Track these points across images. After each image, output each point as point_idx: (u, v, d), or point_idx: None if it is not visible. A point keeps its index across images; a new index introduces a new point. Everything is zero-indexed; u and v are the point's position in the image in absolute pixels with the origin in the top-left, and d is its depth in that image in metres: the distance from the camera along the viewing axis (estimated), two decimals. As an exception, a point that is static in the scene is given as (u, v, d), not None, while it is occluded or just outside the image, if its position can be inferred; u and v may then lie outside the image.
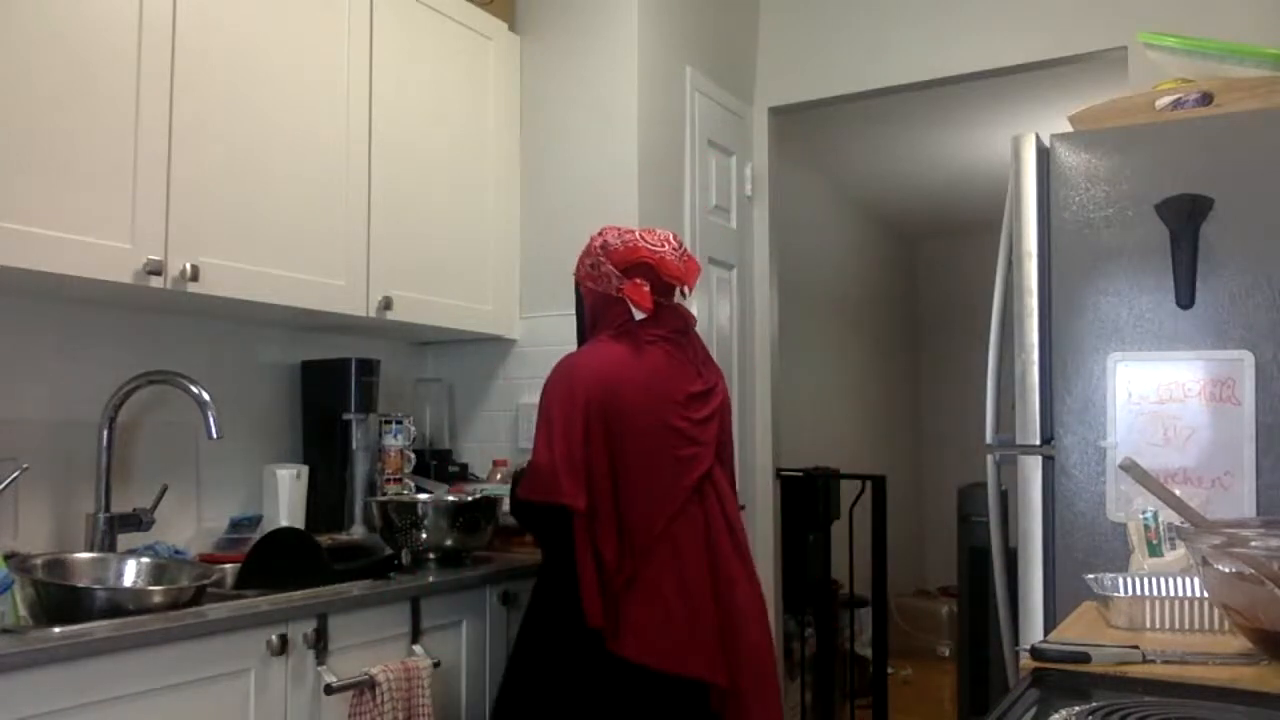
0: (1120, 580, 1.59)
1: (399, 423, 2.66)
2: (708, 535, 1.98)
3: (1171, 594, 1.54)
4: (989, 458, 2.28)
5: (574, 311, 2.35)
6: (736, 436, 3.27)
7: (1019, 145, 2.19)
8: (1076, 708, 1.02)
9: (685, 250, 2.13)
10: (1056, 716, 1.00)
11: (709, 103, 3.18)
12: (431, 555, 2.30)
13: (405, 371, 2.99)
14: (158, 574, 2.00)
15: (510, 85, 2.95)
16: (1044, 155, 2.18)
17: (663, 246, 2.08)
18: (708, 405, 2.08)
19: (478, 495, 2.43)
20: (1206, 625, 1.42)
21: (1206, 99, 2.10)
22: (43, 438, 2.11)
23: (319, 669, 1.88)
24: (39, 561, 1.86)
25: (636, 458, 1.95)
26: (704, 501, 2.00)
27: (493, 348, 2.98)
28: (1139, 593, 1.55)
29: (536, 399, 2.97)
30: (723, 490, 2.06)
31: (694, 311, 2.22)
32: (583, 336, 2.20)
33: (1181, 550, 1.68)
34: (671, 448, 1.98)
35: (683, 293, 2.14)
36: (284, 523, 2.35)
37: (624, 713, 1.89)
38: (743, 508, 3.13)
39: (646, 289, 2.04)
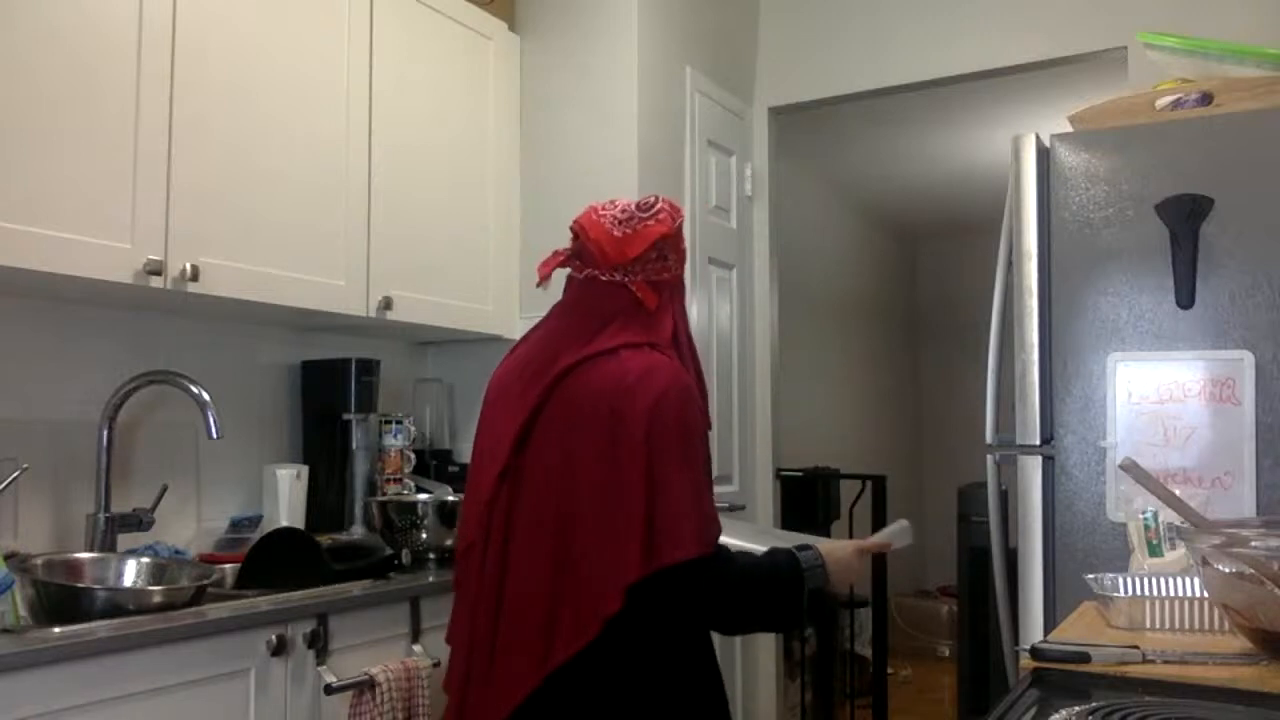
0: (1120, 580, 1.59)
1: (399, 423, 2.66)
2: None
3: (1171, 594, 1.54)
4: (989, 458, 2.28)
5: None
6: (736, 437, 3.29)
7: (1019, 145, 2.19)
8: (1076, 708, 1.03)
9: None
10: (1056, 716, 1.00)
11: (709, 103, 3.18)
12: (431, 555, 2.30)
13: (405, 371, 2.99)
14: (158, 574, 2.00)
15: (510, 85, 2.95)
16: (1044, 155, 2.18)
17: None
18: None
19: None
20: (1206, 625, 1.42)
21: (1206, 99, 2.10)
22: (43, 438, 2.11)
23: (319, 669, 1.88)
24: (39, 561, 1.86)
25: None
26: None
27: (493, 348, 2.97)
28: (1139, 593, 1.55)
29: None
30: None
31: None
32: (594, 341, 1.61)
33: (1181, 550, 1.68)
34: None
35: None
36: (284, 523, 2.35)
37: None
38: (742, 507, 3.15)
39: None
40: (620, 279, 1.62)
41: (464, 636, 1.61)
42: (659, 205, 1.64)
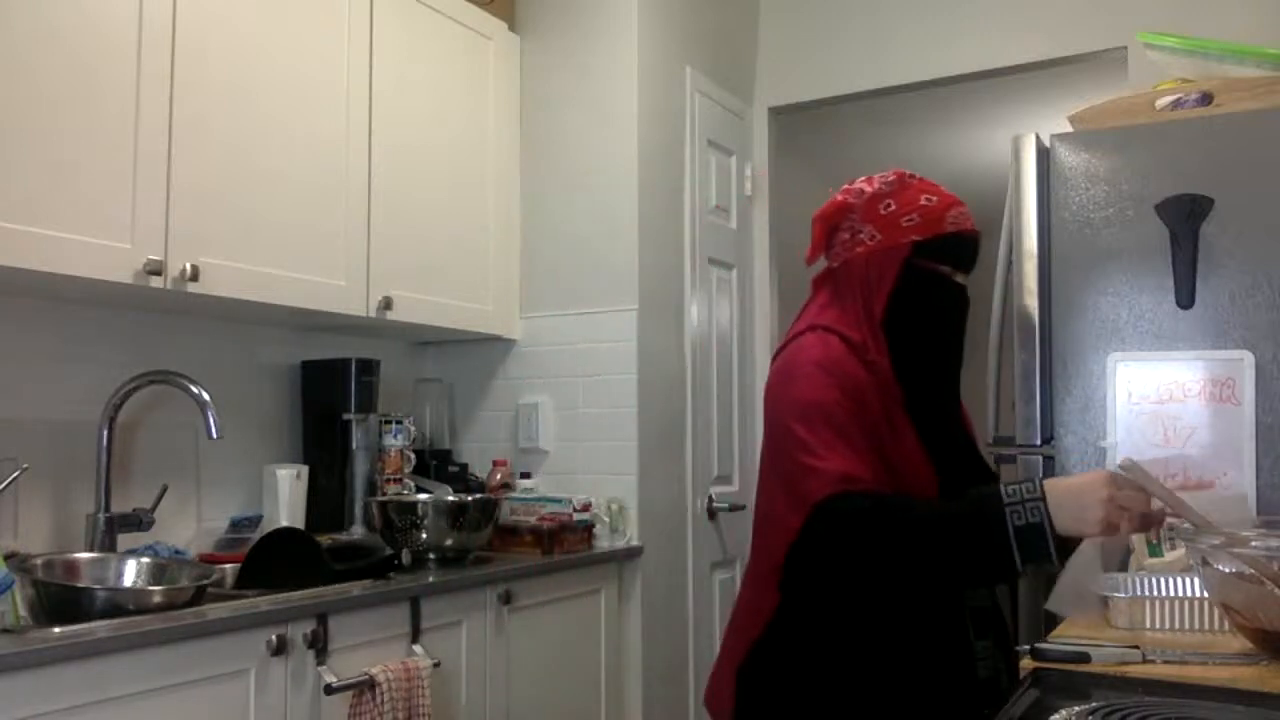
0: (1120, 580, 1.59)
1: (399, 423, 2.66)
2: None
3: (1171, 594, 1.54)
4: (989, 458, 2.28)
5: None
6: (737, 438, 3.29)
7: (1019, 145, 2.19)
8: (1076, 708, 1.02)
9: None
10: (1056, 717, 1.00)
11: (709, 103, 3.18)
12: (431, 555, 2.30)
13: (405, 371, 2.99)
14: (158, 574, 2.00)
15: (510, 85, 2.95)
16: (1044, 155, 2.18)
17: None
18: None
19: None
20: (1206, 625, 1.42)
21: (1206, 99, 2.10)
22: (43, 438, 2.11)
23: (319, 669, 1.88)
24: (39, 561, 1.86)
25: None
26: None
27: (493, 348, 2.98)
28: (1139, 593, 1.55)
29: (536, 399, 3.02)
30: None
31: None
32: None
33: (1181, 550, 1.68)
34: None
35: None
36: (284, 523, 2.35)
37: None
38: (742, 507, 3.15)
39: None
40: (825, 264, 1.72)
41: None
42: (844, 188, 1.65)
